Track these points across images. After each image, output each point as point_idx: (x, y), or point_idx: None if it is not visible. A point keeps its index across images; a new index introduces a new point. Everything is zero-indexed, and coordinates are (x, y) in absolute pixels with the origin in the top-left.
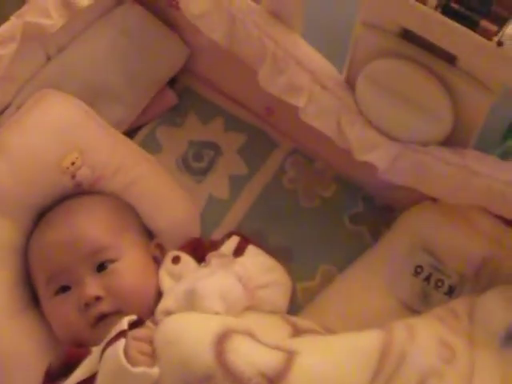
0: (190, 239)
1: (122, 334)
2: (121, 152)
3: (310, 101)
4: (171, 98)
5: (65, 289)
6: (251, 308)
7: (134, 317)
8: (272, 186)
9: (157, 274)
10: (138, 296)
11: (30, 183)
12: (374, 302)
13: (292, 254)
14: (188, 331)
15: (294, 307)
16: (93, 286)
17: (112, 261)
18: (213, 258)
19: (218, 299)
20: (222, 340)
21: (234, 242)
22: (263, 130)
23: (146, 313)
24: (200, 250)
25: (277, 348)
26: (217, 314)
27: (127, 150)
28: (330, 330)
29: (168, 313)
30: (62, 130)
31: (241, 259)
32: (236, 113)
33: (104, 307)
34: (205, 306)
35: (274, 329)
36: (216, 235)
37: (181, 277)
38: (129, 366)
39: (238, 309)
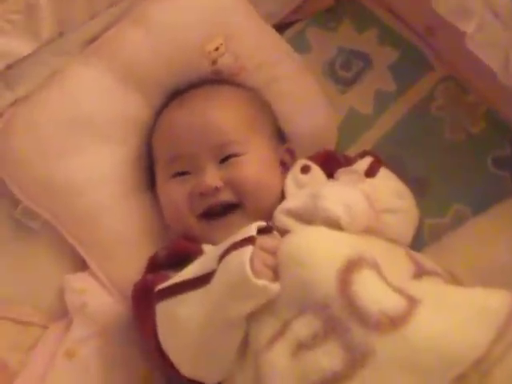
0: (324, 150)
1: (249, 239)
2: (268, 46)
3: (480, 28)
4: None
5: (184, 174)
6: (377, 234)
7: (263, 223)
8: (418, 110)
9: (281, 177)
10: (259, 192)
11: (169, 60)
12: (503, 255)
13: (427, 186)
14: (316, 253)
15: (419, 243)
16: (213, 177)
17: (237, 155)
18: (342, 174)
19: (342, 205)
20: (350, 269)
21: (366, 162)
22: (419, 50)
23: (266, 214)
24: (332, 163)
25: (400, 291)
26: (339, 219)
27: (275, 44)
28: (452, 275)
29: (288, 212)
30: (211, 12)
31: (371, 180)
32: (393, 26)
33: (223, 196)
34: (327, 208)
35: (399, 265)
36: (351, 151)
37: (307, 187)
38: (252, 277)
39: (361, 224)
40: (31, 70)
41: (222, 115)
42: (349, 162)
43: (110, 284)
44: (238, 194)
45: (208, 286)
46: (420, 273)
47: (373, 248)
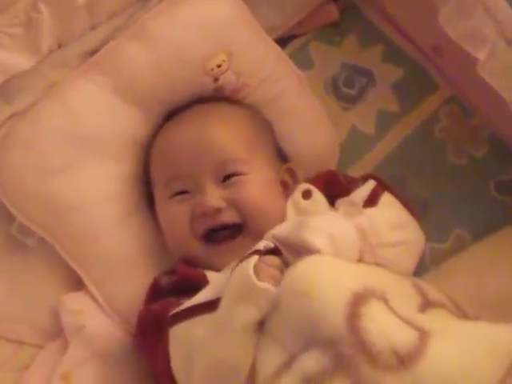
0: (326, 171)
1: (255, 252)
2: (271, 62)
3: (492, 55)
4: (333, 12)
5: (183, 193)
6: (379, 265)
7: (271, 244)
8: (421, 132)
9: (282, 198)
10: (263, 214)
11: (170, 77)
12: (504, 282)
13: (428, 209)
14: (322, 285)
15: (420, 266)
16: (215, 197)
17: (239, 174)
18: (341, 205)
19: (325, 237)
20: (358, 301)
21: (369, 187)
22: (424, 69)
23: None
24: (334, 185)
25: (408, 322)
26: (318, 252)
27: (277, 61)
28: (457, 304)
29: (274, 237)
30: (214, 28)
31: (371, 211)
32: (399, 43)
33: (225, 217)
34: (308, 239)
35: (406, 296)
36: (351, 171)
37: (307, 214)
38: (255, 279)
39: (348, 258)
40: (29, 83)
41: (224, 132)
42: (351, 183)
43: (107, 305)
44: (241, 215)
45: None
46: (426, 304)
47: (380, 278)
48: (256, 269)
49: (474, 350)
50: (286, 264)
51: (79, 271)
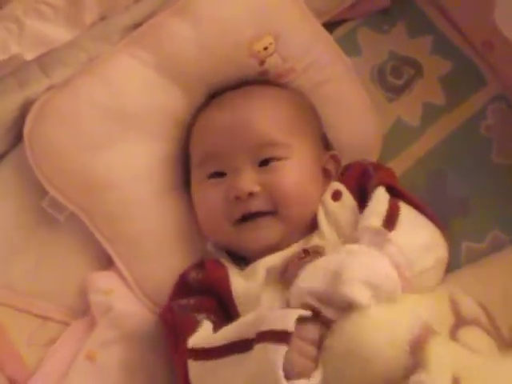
0: (357, 166)
1: (285, 337)
2: (318, 47)
3: None
4: None
5: (220, 175)
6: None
7: (307, 312)
8: (466, 128)
9: (320, 186)
10: (296, 202)
11: (215, 57)
12: None
13: (467, 208)
14: (377, 344)
15: (455, 265)
16: (249, 180)
17: (278, 159)
18: (364, 234)
19: (364, 288)
20: (416, 349)
21: (384, 200)
22: (473, 63)
23: (301, 226)
24: (365, 180)
25: None
26: (358, 304)
27: (325, 46)
28: (489, 315)
29: (308, 293)
30: (263, 9)
31: (397, 236)
32: (449, 36)
33: (256, 203)
34: (349, 294)
35: (439, 318)
36: (393, 164)
37: (335, 218)
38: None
39: (391, 300)
40: (68, 55)
41: (265, 115)
42: (377, 170)
43: (136, 285)
44: (273, 202)
45: (247, 354)
46: (459, 324)
47: (420, 307)
48: (286, 357)
49: None
50: (324, 319)
51: (109, 250)
